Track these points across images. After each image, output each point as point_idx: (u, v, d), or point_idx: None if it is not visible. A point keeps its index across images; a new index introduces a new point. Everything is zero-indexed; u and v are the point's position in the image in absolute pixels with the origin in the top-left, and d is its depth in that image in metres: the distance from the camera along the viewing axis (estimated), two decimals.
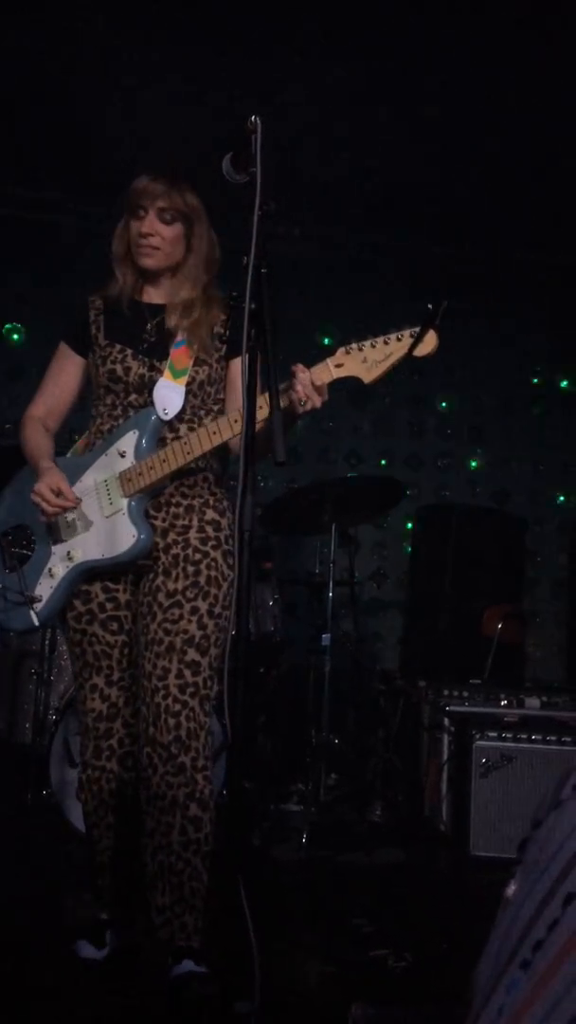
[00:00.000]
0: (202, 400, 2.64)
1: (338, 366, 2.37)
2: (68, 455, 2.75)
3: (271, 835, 3.93)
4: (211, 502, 2.64)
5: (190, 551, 2.57)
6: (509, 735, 3.80)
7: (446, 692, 4.33)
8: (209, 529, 2.60)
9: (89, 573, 2.60)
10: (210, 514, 2.62)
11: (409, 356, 2.30)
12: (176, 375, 2.57)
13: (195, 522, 2.60)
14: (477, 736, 3.80)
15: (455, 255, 6.03)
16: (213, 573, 2.57)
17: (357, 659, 4.83)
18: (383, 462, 6.20)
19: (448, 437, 6.28)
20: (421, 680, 4.57)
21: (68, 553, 2.60)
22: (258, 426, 2.18)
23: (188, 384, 2.58)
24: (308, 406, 2.36)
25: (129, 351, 2.63)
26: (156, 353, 2.62)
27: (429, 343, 2.28)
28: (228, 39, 4.24)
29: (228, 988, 1.88)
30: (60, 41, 4.33)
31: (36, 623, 2.63)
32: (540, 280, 6.10)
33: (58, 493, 2.55)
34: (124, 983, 2.52)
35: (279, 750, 4.45)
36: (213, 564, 2.57)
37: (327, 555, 4.49)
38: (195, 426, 2.60)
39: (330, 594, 4.42)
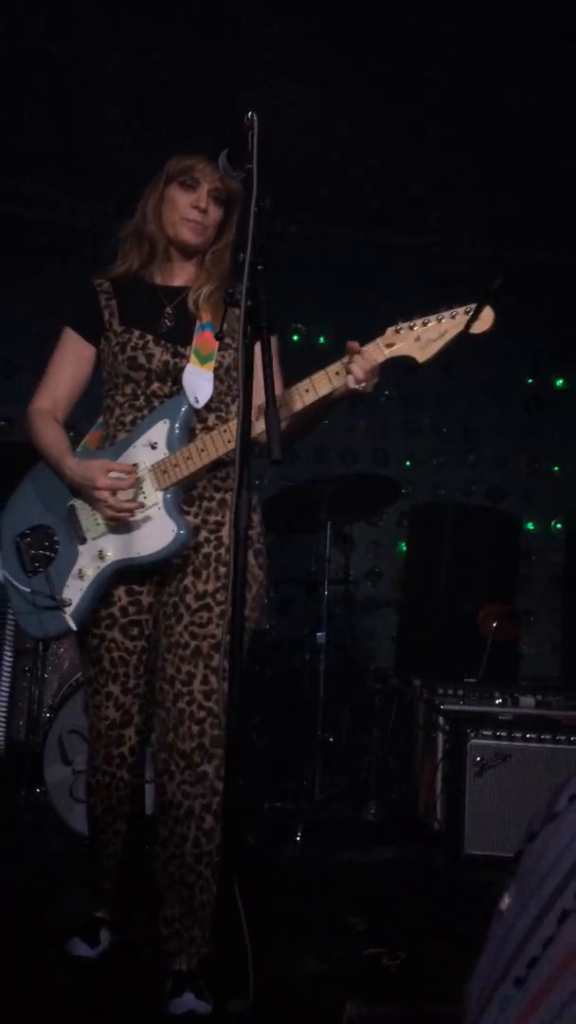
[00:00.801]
0: (228, 386, 2.51)
1: (389, 346, 2.27)
2: (78, 450, 2.61)
3: (266, 833, 3.93)
4: None
5: (222, 551, 2.45)
6: (504, 734, 3.81)
7: (441, 691, 4.33)
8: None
9: (121, 573, 2.45)
10: None
11: (465, 333, 2.24)
12: (202, 360, 2.45)
13: (228, 519, 2.47)
14: (472, 735, 3.80)
15: (454, 254, 6.02)
16: (245, 576, 2.48)
17: (352, 658, 4.83)
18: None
19: (443, 436, 6.28)
20: (416, 679, 4.58)
21: (100, 552, 2.45)
22: (304, 407, 2.17)
23: (215, 370, 2.46)
24: (363, 388, 2.27)
25: (150, 336, 2.49)
26: (178, 338, 2.48)
27: (486, 320, 2.21)
28: (228, 37, 4.23)
29: (222, 986, 1.88)
30: (57, 39, 4.32)
31: (73, 627, 2.47)
32: (540, 280, 6.10)
33: (109, 472, 2.37)
34: (119, 982, 2.51)
35: (274, 749, 4.45)
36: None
37: (322, 554, 4.49)
38: (222, 414, 2.49)
39: (325, 592, 4.42)
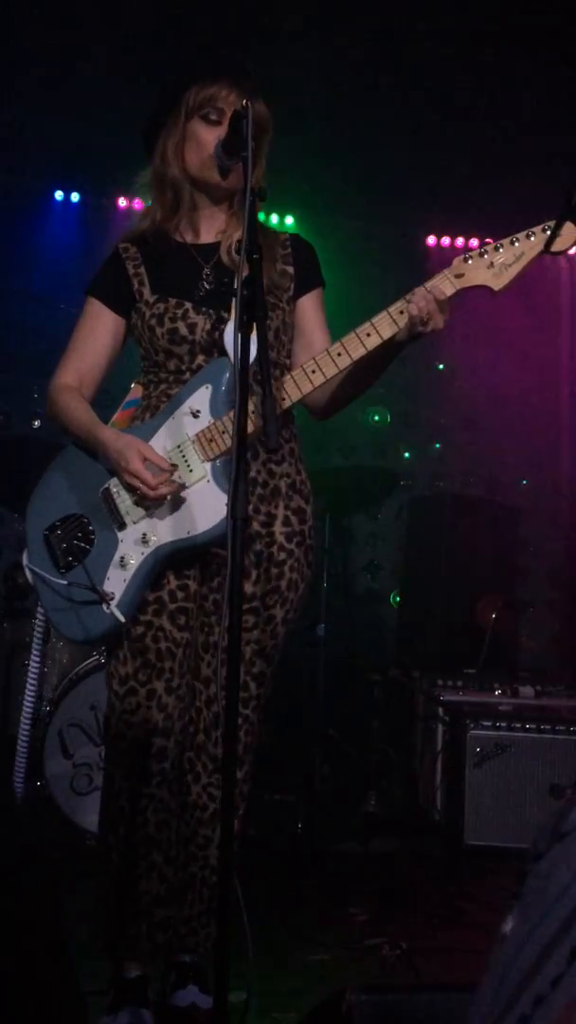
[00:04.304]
0: (277, 352, 2.28)
1: (458, 276, 2.10)
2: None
3: (266, 825, 3.93)
4: (297, 483, 2.33)
5: (274, 549, 2.27)
6: (503, 724, 3.80)
7: (440, 682, 4.33)
8: (295, 521, 2.31)
9: (171, 558, 2.22)
10: (296, 501, 2.32)
11: (546, 253, 2.05)
12: None
13: (281, 511, 2.29)
14: (471, 726, 3.80)
15: (450, 243, 6.00)
16: (295, 576, 2.32)
17: (351, 650, 4.82)
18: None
19: (441, 427, 6.26)
20: (415, 670, 4.57)
21: (143, 536, 2.21)
22: (367, 352, 2.08)
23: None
24: (430, 326, 2.07)
25: (188, 304, 2.26)
26: (219, 301, 2.24)
27: (569, 236, 2.01)
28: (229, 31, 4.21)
29: (222, 977, 1.88)
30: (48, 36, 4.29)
31: (121, 618, 2.19)
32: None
33: (145, 460, 2.14)
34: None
35: (273, 740, 4.44)
36: (296, 565, 2.31)
37: (321, 546, 4.48)
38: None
39: (324, 585, 4.41)
